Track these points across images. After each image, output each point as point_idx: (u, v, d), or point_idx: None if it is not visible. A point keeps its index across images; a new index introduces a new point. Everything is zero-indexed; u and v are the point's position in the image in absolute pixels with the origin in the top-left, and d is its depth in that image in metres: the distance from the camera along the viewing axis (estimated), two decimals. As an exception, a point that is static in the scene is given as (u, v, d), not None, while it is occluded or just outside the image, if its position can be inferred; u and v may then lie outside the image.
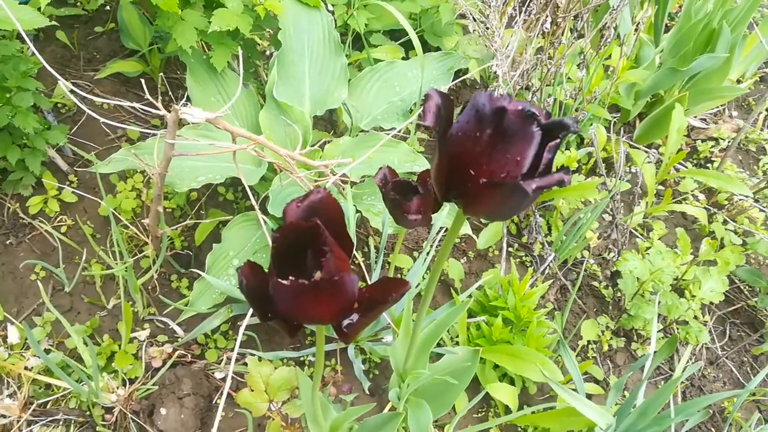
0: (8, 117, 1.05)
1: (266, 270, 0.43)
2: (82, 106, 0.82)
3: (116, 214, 1.22)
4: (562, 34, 1.21)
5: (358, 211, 1.07)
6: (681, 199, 1.55)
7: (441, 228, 1.07)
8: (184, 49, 1.15)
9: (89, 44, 1.61)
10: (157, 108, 0.76)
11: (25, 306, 1.15)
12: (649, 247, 1.28)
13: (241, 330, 0.88)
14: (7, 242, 1.20)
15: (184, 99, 1.14)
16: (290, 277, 0.39)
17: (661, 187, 1.56)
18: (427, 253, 1.26)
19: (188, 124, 0.91)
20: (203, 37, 1.19)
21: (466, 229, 1.10)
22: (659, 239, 1.44)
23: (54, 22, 1.10)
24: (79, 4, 1.65)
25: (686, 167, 1.66)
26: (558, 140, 0.37)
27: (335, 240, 0.43)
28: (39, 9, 1.46)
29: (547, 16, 1.17)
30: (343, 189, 1.03)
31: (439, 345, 1.12)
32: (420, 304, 0.67)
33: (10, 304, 1.15)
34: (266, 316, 0.42)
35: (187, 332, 1.13)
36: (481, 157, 0.38)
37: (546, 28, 1.19)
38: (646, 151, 1.57)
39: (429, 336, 0.85)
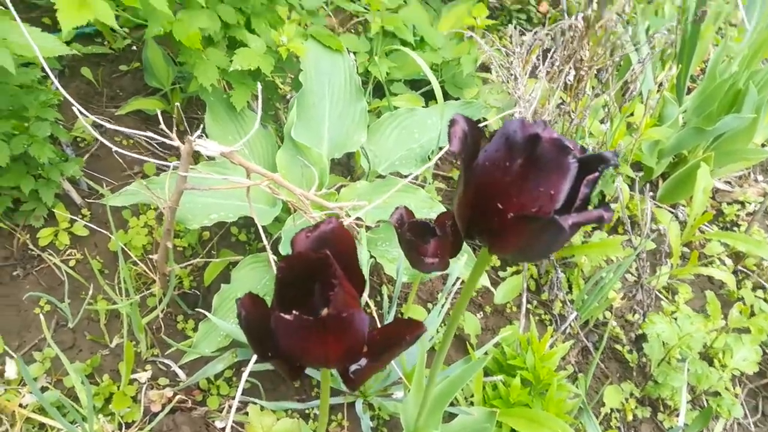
0: (24, 146, 1.04)
1: (269, 304, 0.40)
2: (96, 135, 0.80)
3: (126, 249, 1.19)
4: (585, 87, 1.19)
5: (372, 257, 1.04)
6: (707, 262, 1.49)
7: (457, 279, 1.02)
8: (204, 87, 1.15)
9: (113, 82, 1.63)
10: (171, 138, 0.74)
11: (27, 340, 1.11)
12: (675, 311, 1.22)
13: (244, 376, 0.83)
14: (14, 273, 1.18)
15: (201, 134, 1.13)
16: (294, 312, 0.35)
17: (686, 249, 1.51)
18: (442, 306, 1.21)
19: (204, 159, 0.90)
20: (224, 76, 1.19)
21: (484, 281, 1.05)
22: (685, 303, 1.38)
23: (74, 49, 1.10)
24: (106, 42, 1.68)
25: (712, 230, 1.61)
26: (597, 174, 0.34)
27: (346, 275, 0.39)
28: (67, 44, 1.49)
29: (570, 68, 1.15)
30: (358, 233, 1.00)
31: (452, 404, 1.06)
32: (434, 359, 0.63)
33: (11, 337, 1.11)
34: (266, 354, 0.38)
35: (189, 376, 1.08)
36: (511, 188, 0.34)
37: (569, 80, 1.17)
38: (671, 211, 1.53)
39: (442, 394, 0.79)
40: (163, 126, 0.78)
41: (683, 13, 1.75)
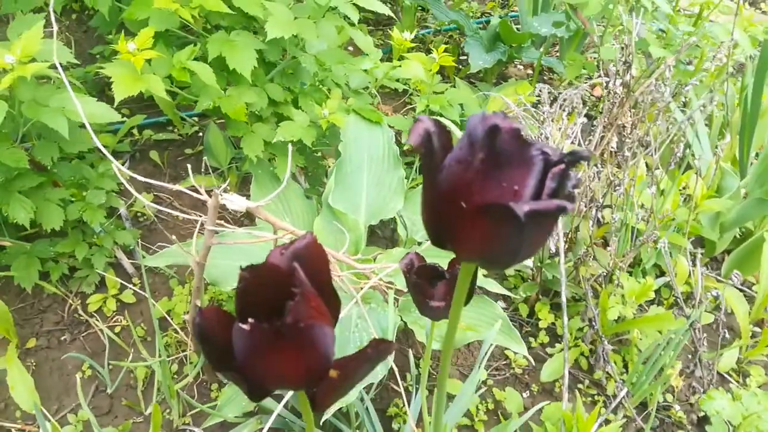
0: (79, 212, 1.11)
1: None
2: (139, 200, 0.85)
3: (168, 317, 1.22)
4: (632, 154, 1.16)
5: (403, 321, 1.01)
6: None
7: (492, 346, 0.97)
8: (250, 159, 1.21)
9: (178, 164, 1.74)
10: (199, 192, 0.77)
11: (66, 404, 1.13)
12: (746, 392, 1.10)
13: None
14: (62, 338, 1.22)
15: (227, 188, 1.17)
16: (250, 320, 0.34)
17: (757, 329, 1.38)
18: (483, 382, 1.16)
19: (251, 225, 0.92)
20: (270, 148, 1.25)
21: (521, 348, 0.99)
22: (759, 387, 1.24)
23: (145, 135, 1.19)
24: (175, 130, 1.81)
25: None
26: (562, 166, 0.32)
27: (318, 291, 0.38)
28: (135, 132, 1.61)
29: (612, 135, 1.13)
30: (387, 296, 0.98)
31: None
32: (438, 385, 0.58)
33: (51, 401, 1.13)
34: (224, 368, 0.36)
35: (217, 444, 1.06)
36: (473, 185, 0.33)
37: (612, 147, 1.15)
38: (741, 289, 1.42)
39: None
40: (194, 183, 0.81)
41: (743, 90, 1.71)
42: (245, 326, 0.35)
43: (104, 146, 1.47)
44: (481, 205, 0.32)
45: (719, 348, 1.24)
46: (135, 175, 0.86)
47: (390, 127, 1.29)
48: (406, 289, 1.06)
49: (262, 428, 1.01)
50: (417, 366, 1.10)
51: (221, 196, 0.78)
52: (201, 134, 1.84)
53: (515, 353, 1.25)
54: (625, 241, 1.27)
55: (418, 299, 0.60)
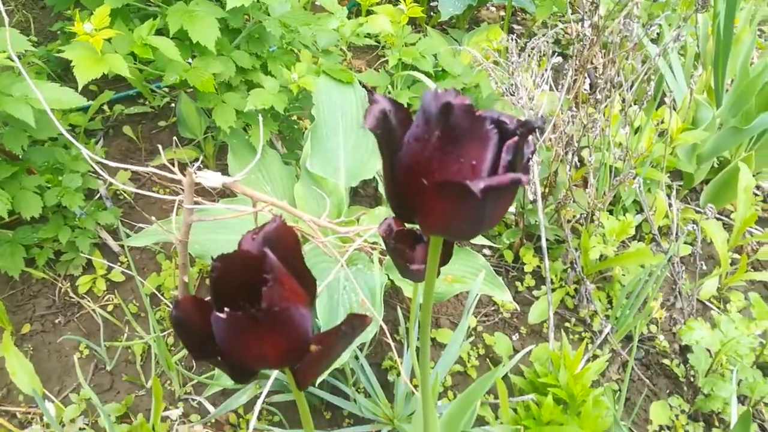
0: (57, 197, 1.10)
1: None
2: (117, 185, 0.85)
3: (158, 293, 1.23)
4: (605, 95, 1.16)
5: (390, 279, 1.03)
6: (762, 266, 1.40)
7: (478, 295, 1.00)
8: (223, 130, 1.20)
9: (153, 137, 1.72)
10: (173, 173, 0.77)
11: (67, 384, 1.15)
12: (724, 319, 1.14)
13: (257, 407, 0.83)
14: (56, 321, 1.23)
15: (201, 166, 1.17)
16: (226, 309, 0.35)
17: (736, 255, 1.42)
18: (473, 329, 1.19)
19: (230, 197, 0.92)
20: (243, 117, 1.23)
21: (505, 296, 1.02)
22: (739, 312, 1.29)
23: (116, 111, 1.17)
24: (147, 102, 1.78)
25: (764, 233, 1.51)
26: (516, 138, 0.33)
27: (291, 273, 0.39)
28: (106, 108, 1.58)
29: (585, 77, 1.13)
30: (372, 257, 0.99)
31: (481, 425, 1.02)
32: (420, 342, 0.61)
33: (53, 382, 1.15)
34: (205, 356, 0.37)
35: (216, 411, 1.09)
36: (432, 162, 0.33)
37: (585, 90, 1.15)
38: (718, 218, 1.45)
39: (458, 410, 0.76)
40: (166, 162, 0.81)
41: (715, 18, 1.70)
42: (222, 315, 0.36)
43: (76, 126, 1.45)
44: (439, 183, 0.32)
45: (698, 277, 1.28)
46: (104, 161, 0.86)
47: (363, 86, 1.28)
48: (390, 248, 1.07)
49: (262, 392, 1.04)
50: (407, 320, 1.12)
51: (196, 174, 0.78)
52: (173, 105, 1.81)
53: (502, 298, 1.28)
54: (603, 180, 1.29)
55: (399, 263, 0.61)
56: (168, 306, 1.23)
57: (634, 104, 1.19)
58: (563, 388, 1.00)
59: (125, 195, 1.50)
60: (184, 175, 0.80)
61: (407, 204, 0.36)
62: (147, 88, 1.73)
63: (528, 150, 0.35)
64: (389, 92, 1.58)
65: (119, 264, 1.32)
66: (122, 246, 1.36)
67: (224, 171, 1.61)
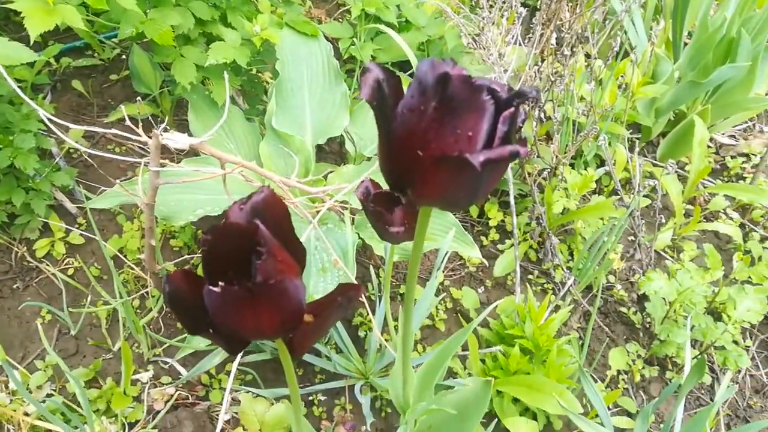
0: (9, 159, 1.05)
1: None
2: (77, 145, 0.81)
3: (121, 255, 1.20)
4: (571, 50, 1.17)
5: (360, 238, 1.03)
6: (713, 217, 1.46)
7: (447, 252, 1.01)
8: (184, 86, 1.15)
9: (104, 92, 1.64)
10: (138, 135, 0.74)
11: (31, 350, 1.13)
12: (680, 269, 1.19)
13: (234, 367, 0.83)
14: (15, 286, 1.19)
15: (167, 127, 1.13)
16: (221, 283, 0.34)
17: (690, 206, 1.47)
18: (441, 283, 1.20)
19: (177, 150, 0.89)
20: (204, 72, 1.19)
21: (474, 252, 1.04)
22: (691, 260, 1.35)
23: (63, 63, 1.11)
24: (96, 54, 1.69)
25: (716, 184, 1.58)
26: (512, 109, 0.33)
27: (282, 243, 0.39)
28: (57, 58, 1.50)
29: (552, 32, 1.13)
30: (343, 216, 0.99)
31: (452, 377, 1.05)
32: (403, 325, 0.62)
33: (15, 349, 1.13)
34: (199, 330, 0.37)
35: (189, 373, 1.09)
36: (428, 134, 0.33)
37: (552, 44, 1.15)
38: (662, 166, 1.50)
39: (433, 364, 0.78)
40: (129, 123, 0.78)
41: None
42: (216, 289, 0.35)
43: (22, 81, 1.37)
44: (438, 157, 0.32)
45: (656, 229, 1.32)
46: (61, 122, 0.82)
47: (327, 39, 1.24)
48: (360, 207, 1.07)
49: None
50: (378, 276, 1.13)
51: (162, 136, 0.75)
52: (125, 57, 1.73)
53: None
54: (566, 135, 1.30)
55: (378, 226, 0.61)
56: (132, 268, 1.20)
57: (599, 59, 1.20)
58: (529, 338, 1.03)
59: (79, 154, 1.44)
60: (149, 137, 0.77)
61: (402, 175, 0.35)
62: (95, 39, 1.64)
63: (519, 119, 0.35)
64: (353, 44, 1.54)
65: (77, 226, 1.28)
66: (80, 207, 1.31)
67: (182, 127, 1.56)
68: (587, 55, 1.22)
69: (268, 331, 0.38)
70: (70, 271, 1.22)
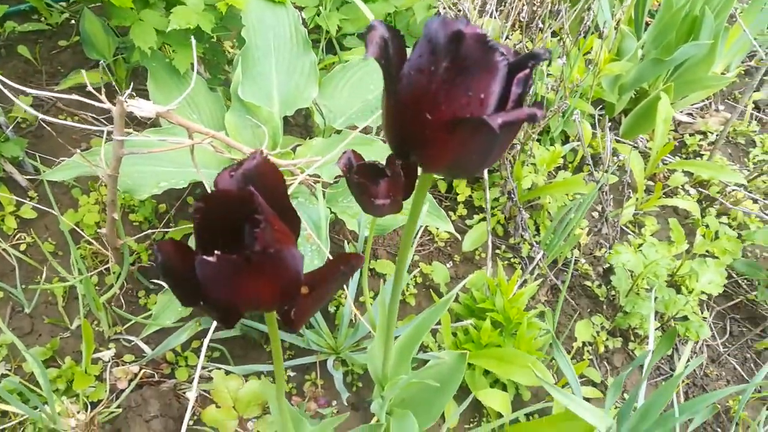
0: (-46, 126, 0.98)
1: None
2: (30, 111, 0.75)
3: (78, 229, 1.15)
4: (541, 22, 1.16)
5: (332, 213, 1.01)
6: (672, 193, 1.50)
7: (422, 227, 1.00)
8: (144, 52, 1.10)
9: (53, 58, 1.56)
10: (101, 101, 0.70)
11: (-19, 330, 1.07)
12: (641, 243, 1.22)
13: (205, 343, 0.80)
14: (-38, 263, 1.13)
15: (132, 93, 1.08)
16: (216, 252, 0.32)
17: (650, 183, 1.51)
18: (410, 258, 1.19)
19: (143, 118, 0.85)
20: (164, 38, 1.13)
21: (448, 227, 1.03)
22: (652, 235, 1.38)
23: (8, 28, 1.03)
24: (43, 19, 1.60)
25: (676, 161, 1.62)
26: (527, 71, 0.31)
27: (276, 212, 0.37)
28: (1, 24, 1.41)
29: (523, 5, 1.12)
30: (315, 189, 0.97)
31: (424, 351, 1.05)
32: (391, 294, 0.61)
33: (-35, 328, 1.07)
34: (194, 302, 0.35)
35: (155, 350, 1.05)
36: (438, 95, 0.31)
37: (523, 17, 1.14)
38: (634, 146, 1.53)
39: (409, 339, 0.78)
40: (91, 89, 0.73)
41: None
42: (211, 258, 0.33)
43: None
44: (453, 119, 0.31)
45: (623, 204, 1.35)
46: (9, 82, 0.76)
47: (294, 6, 1.20)
48: (332, 181, 1.05)
49: (203, 328, 1.02)
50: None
51: (126, 103, 0.71)
52: (74, 22, 1.64)
53: (437, 228, 1.30)
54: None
55: (362, 199, 0.59)
56: (90, 243, 1.15)
57: (569, 36, 1.20)
58: (500, 312, 1.04)
59: (28, 123, 1.37)
60: (113, 103, 0.72)
61: (408, 140, 0.34)
62: (42, 2, 1.55)
63: (530, 85, 0.34)
64: (318, 14, 1.50)
65: (29, 200, 1.22)
66: (31, 180, 1.24)
67: (140, 97, 1.49)
68: (554, 34, 1.22)
69: (265, 302, 0.36)
70: (23, 247, 1.16)
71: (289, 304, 0.37)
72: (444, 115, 0.32)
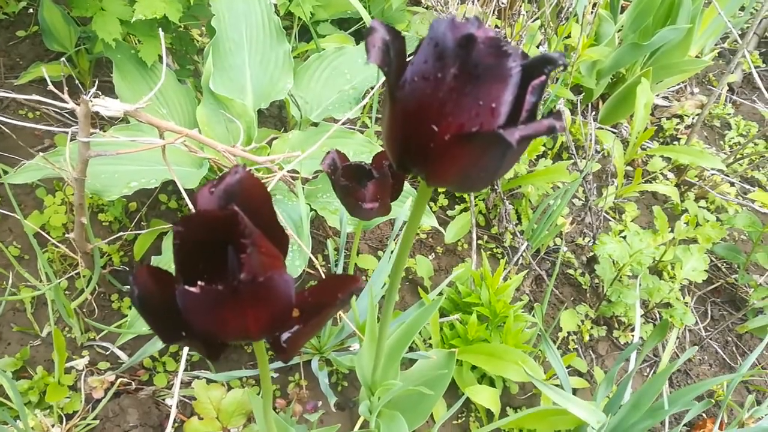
0: None
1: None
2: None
3: (43, 232, 1.09)
4: (519, 10, 1.14)
5: (312, 210, 0.98)
6: (651, 178, 1.50)
7: (404, 222, 0.98)
8: (107, 43, 1.04)
9: (11, 50, 1.48)
10: (64, 101, 0.65)
11: (-56, 341, 1.02)
12: (623, 230, 1.22)
13: (186, 349, 0.77)
14: None
15: (98, 93, 1.03)
16: (199, 283, 0.29)
17: (629, 168, 1.50)
18: (392, 252, 1.17)
19: (109, 118, 0.80)
20: (129, 29, 1.08)
21: (432, 221, 1.01)
22: (632, 221, 1.38)
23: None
24: (-2, 7, 1.52)
25: (653, 146, 1.62)
26: (543, 78, 0.29)
27: (263, 232, 0.33)
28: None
29: (502, -10, 1.09)
30: (294, 186, 0.93)
31: (411, 349, 1.03)
32: (383, 308, 0.58)
33: (-75, 340, 1.01)
34: (174, 337, 0.32)
35: (131, 356, 1.01)
36: (446, 105, 0.29)
37: (503, 3, 1.11)
38: (613, 132, 1.52)
39: (398, 341, 0.75)
40: (52, 88, 0.68)
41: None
42: (194, 289, 0.30)
43: None
44: (464, 133, 0.28)
45: (606, 192, 1.34)
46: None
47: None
48: (311, 177, 1.01)
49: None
50: (336, 250, 1.08)
51: (92, 103, 0.66)
52: (32, 11, 1.56)
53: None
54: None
55: (348, 202, 0.56)
56: (57, 246, 1.10)
57: (550, 22, 1.17)
58: (486, 306, 1.03)
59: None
60: (77, 103, 0.67)
61: (411, 153, 0.31)
62: (-4, -10, 1.47)
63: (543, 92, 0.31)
64: (289, 1, 1.45)
65: (-11, 201, 1.16)
66: (-9, 180, 1.18)
67: (104, 89, 1.43)
68: (534, 16, 1.19)
69: (254, 333, 0.33)
70: (-15, 252, 1.10)
71: (279, 331, 0.34)
72: (452, 127, 0.29)
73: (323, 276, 0.86)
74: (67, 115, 1.35)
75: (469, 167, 0.29)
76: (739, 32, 2.05)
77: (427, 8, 1.23)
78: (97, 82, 1.41)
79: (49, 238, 1.09)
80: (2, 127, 1.29)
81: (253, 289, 0.30)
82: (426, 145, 0.30)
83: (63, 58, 1.34)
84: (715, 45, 1.98)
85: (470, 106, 0.29)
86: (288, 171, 0.94)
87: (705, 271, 1.14)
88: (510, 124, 0.29)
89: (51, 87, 0.75)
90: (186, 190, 0.86)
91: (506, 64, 0.28)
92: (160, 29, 0.85)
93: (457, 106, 0.29)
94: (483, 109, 0.29)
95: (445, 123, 0.29)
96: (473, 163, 0.29)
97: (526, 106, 0.29)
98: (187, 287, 0.30)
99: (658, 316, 1.20)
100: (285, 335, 0.34)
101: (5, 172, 1.09)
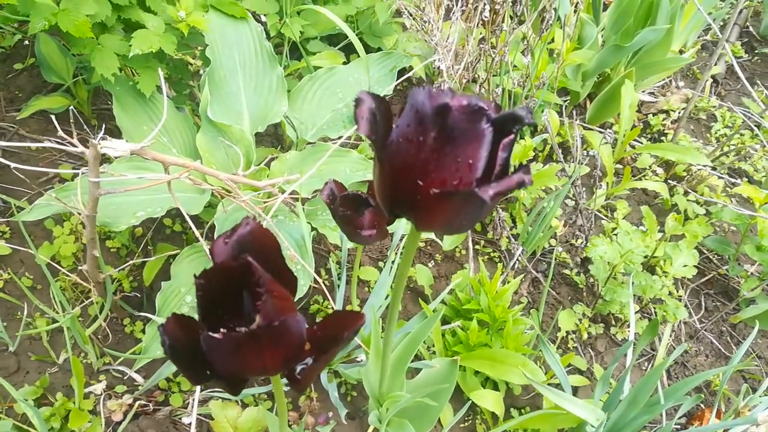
0: None
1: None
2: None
3: (54, 263, 1.13)
4: (503, 21, 1.17)
5: (314, 229, 1.01)
6: (640, 176, 1.54)
7: (403, 235, 1.01)
8: (106, 78, 1.08)
9: (9, 83, 1.52)
10: (74, 146, 0.69)
11: (-34, 373, 1.05)
12: (615, 228, 1.26)
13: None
14: (-63, 306, 1.10)
15: (105, 135, 1.07)
16: (222, 330, 0.33)
17: (619, 166, 1.54)
18: (393, 262, 1.21)
19: (116, 158, 0.84)
20: (126, 62, 1.11)
21: (428, 233, 1.05)
22: (624, 218, 1.42)
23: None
24: (-6, 42, 1.55)
25: (641, 143, 1.66)
26: (512, 136, 0.32)
27: (273, 276, 0.37)
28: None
29: (485, 5, 1.13)
30: (294, 207, 0.97)
31: (416, 357, 1.07)
32: (387, 321, 0.62)
33: (-52, 373, 1.05)
34: (201, 378, 0.36)
35: (147, 378, 1.05)
36: (428, 164, 0.33)
37: (485, 17, 1.15)
38: (601, 132, 1.56)
39: (403, 353, 0.79)
40: (61, 133, 0.72)
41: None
42: (217, 335, 0.34)
43: None
44: (445, 192, 0.32)
45: (594, 193, 1.38)
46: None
47: (257, 20, 1.19)
48: (310, 196, 1.05)
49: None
50: (338, 264, 1.12)
51: (100, 146, 0.70)
52: (27, 43, 1.60)
53: (417, 229, 1.31)
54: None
55: (348, 230, 0.60)
56: (68, 275, 1.13)
57: (533, 32, 1.21)
58: (485, 311, 1.06)
59: (-9, 154, 1.33)
60: (86, 146, 0.71)
61: (401, 204, 0.35)
62: (-7, 26, 1.50)
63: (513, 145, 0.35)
64: (281, 19, 1.49)
65: (1, 234, 1.19)
66: (1, 214, 1.22)
67: (103, 117, 1.47)
68: (518, 21, 1.23)
69: (271, 369, 0.37)
70: (0, 284, 1.14)
71: (294, 364, 0.38)
72: (435, 182, 0.33)
73: (325, 291, 0.90)
74: (68, 145, 1.39)
75: (452, 217, 0.33)
76: (721, 23, 2.09)
77: (411, 22, 1.27)
78: (90, 110, 1.45)
79: (59, 268, 1.13)
80: (8, 158, 1.32)
81: (269, 333, 0.34)
82: (413, 198, 0.34)
83: (54, 86, 1.37)
84: (698, 38, 2.02)
85: (450, 164, 0.33)
86: (290, 194, 0.98)
87: (696, 266, 1.18)
88: (486, 178, 0.33)
89: (55, 123, 0.79)
90: (190, 216, 0.90)
91: (479, 126, 0.32)
92: (157, 64, 0.89)
93: (439, 163, 0.33)
94: (462, 165, 0.33)
95: (429, 179, 0.33)
96: (455, 214, 0.33)
97: (499, 162, 0.33)
98: (210, 333, 0.33)
99: (653, 311, 1.24)
100: (299, 368, 0.38)
101: (19, 209, 1.13)
